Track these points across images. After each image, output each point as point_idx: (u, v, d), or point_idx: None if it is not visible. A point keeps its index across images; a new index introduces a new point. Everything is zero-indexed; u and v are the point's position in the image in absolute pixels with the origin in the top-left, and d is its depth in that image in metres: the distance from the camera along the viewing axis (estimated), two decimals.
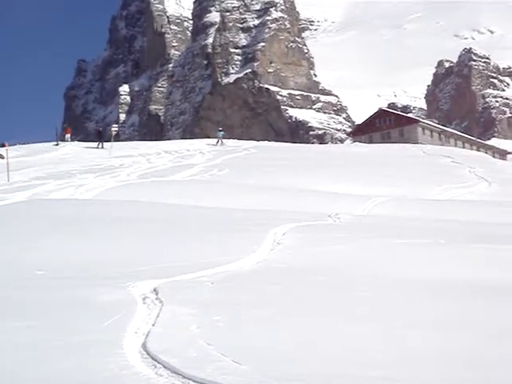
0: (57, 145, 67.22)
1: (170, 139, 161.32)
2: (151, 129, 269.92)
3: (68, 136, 73.09)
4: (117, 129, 73.00)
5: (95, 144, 60.53)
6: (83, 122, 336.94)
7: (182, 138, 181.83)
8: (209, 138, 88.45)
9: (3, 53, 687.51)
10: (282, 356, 7.67)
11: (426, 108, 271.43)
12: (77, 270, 12.80)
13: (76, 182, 32.91)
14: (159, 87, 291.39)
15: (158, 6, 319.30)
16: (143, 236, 16.53)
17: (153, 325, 8.80)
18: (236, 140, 78.78)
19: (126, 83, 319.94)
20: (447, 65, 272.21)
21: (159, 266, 12.81)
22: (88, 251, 14.68)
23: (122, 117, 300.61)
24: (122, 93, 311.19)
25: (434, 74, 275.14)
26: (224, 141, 68.90)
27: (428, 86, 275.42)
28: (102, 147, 59.19)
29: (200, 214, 21.38)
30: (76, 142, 75.13)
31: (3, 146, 45.47)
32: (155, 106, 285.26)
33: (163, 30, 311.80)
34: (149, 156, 51.87)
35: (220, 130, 71.02)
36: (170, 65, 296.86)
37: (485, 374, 7.34)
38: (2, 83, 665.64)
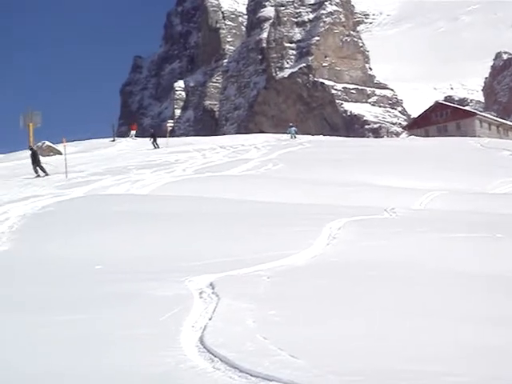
0: (113, 140, 68.01)
1: (224, 134, 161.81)
2: (206, 124, 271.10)
3: (133, 133, 73.59)
4: (172, 124, 73.73)
5: (151, 146, 60.74)
6: (139, 117, 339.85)
7: (237, 132, 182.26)
8: (263, 133, 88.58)
9: (60, 50, 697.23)
10: (339, 351, 7.64)
11: (483, 101, 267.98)
12: (134, 264, 12.94)
13: (132, 178, 33.23)
14: (214, 83, 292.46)
15: (212, 1, 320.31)
16: (200, 231, 16.62)
17: (209, 319, 8.84)
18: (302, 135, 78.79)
19: (181, 79, 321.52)
20: (505, 57, 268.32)
21: (215, 261, 12.87)
22: (145, 246, 14.82)
23: (177, 112, 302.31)
24: (177, 88, 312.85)
25: (492, 67, 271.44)
26: (296, 136, 69.81)
27: (486, 78, 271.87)
28: (158, 147, 59.40)
29: (255, 208, 21.41)
30: (132, 137, 75.86)
31: (61, 142, 46.16)
32: (210, 102, 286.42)
33: (218, 26, 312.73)
34: (204, 151, 52.16)
35: (291, 126, 71.85)
36: (225, 60, 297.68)
37: None
38: (60, 80, 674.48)
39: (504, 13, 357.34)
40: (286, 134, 71.76)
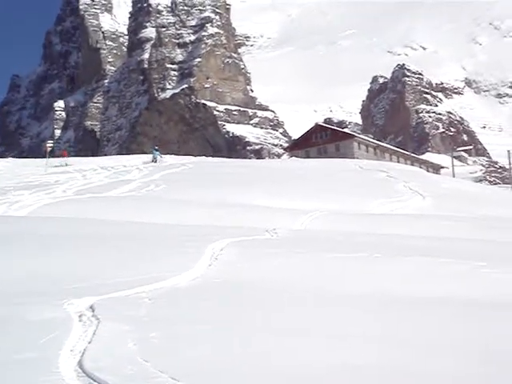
0: None
1: (106, 155, 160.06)
2: (87, 145, 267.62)
3: (64, 159, 69.89)
4: (52, 145, 72.01)
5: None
6: (17, 138, 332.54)
7: (119, 153, 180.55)
8: (145, 153, 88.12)
9: None
10: (219, 371, 7.67)
11: (361, 123, 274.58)
12: (12, 286, 12.60)
13: (10, 199, 32.41)
14: (95, 103, 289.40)
15: (92, 21, 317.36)
16: (78, 252, 16.33)
17: (89, 342, 8.71)
18: (173, 156, 78.52)
19: (61, 99, 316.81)
20: (381, 80, 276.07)
21: (95, 283, 12.67)
22: (20, 268, 14.45)
23: (58, 133, 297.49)
24: (57, 108, 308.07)
25: (369, 90, 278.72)
26: (162, 156, 67.94)
27: (363, 101, 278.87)
28: (155, 162, 63.04)
29: (136, 230, 21.23)
30: (10, 158, 74.03)
31: None
32: (91, 122, 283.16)
33: (98, 46, 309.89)
34: (85, 172, 51.37)
35: (156, 149, 69.04)
36: (106, 80, 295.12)
37: None
38: None
39: (380, 38, 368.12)
40: (151, 156, 69.40)
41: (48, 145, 70.60)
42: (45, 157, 64.82)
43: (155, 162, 64.10)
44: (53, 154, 71.45)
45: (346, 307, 11.26)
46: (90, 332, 9.19)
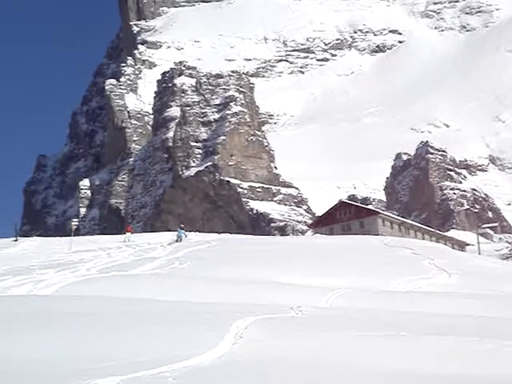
0: (16, 240, 66.69)
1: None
2: (111, 223, 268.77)
3: (129, 234, 69.33)
4: (77, 223, 72.57)
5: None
6: (43, 216, 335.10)
7: (143, 231, 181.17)
8: (170, 231, 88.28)
9: None
10: None
11: (385, 200, 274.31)
12: (38, 366, 12.59)
13: (35, 278, 32.53)
14: (120, 181, 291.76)
15: (118, 101, 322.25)
16: (103, 331, 16.32)
17: None
18: (198, 233, 78.66)
19: (86, 177, 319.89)
20: (405, 157, 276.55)
21: (119, 362, 12.63)
22: (48, 348, 14.45)
23: (83, 211, 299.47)
24: (82, 187, 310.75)
25: (393, 167, 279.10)
26: (187, 235, 67.25)
27: (387, 178, 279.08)
28: (180, 241, 61.77)
29: (161, 307, 21.20)
30: (35, 237, 74.52)
31: None
32: (116, 200, 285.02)
33: (124, 125, 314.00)
34: (109, 250, 51.57)
35: (182, 228, 67.81)
36: (131, 159, 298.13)
37: None
38: None
39: (403, 115, 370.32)
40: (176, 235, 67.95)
41: (73, 223, 71.23)
42: (70, 235, 65.25)
43: (180, 241, 63.35)
44: (78, 232, 71.89)
45: None
46: None
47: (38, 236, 74.10)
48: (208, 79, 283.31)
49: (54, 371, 12.10)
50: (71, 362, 12.86)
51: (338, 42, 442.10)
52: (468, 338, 16.06)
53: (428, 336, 16.37)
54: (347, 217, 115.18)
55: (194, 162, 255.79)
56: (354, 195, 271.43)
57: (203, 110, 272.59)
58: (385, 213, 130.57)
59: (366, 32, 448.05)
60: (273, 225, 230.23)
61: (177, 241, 63.05)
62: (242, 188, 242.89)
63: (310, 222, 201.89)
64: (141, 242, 61.10)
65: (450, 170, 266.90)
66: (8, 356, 13.69)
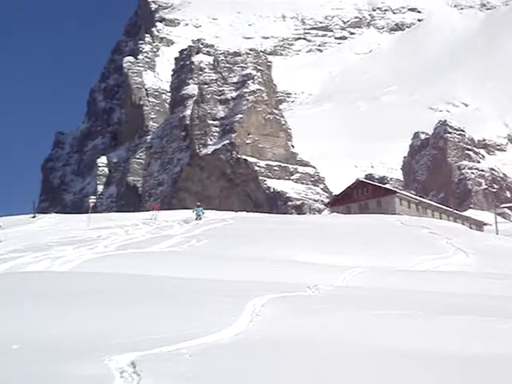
0: (34, 217, 67.04)
1: (148, 210, 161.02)
2: (129, 200, 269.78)
3: (156, 213, 69.40)
4: (94, 200, 72.75)
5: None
6: (61, 193, 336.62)
7: (161, 208, 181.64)
8: (187, 209, 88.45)
9: None
10: None
11: (402, 179, 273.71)
12: (52, 343, 12.59)
13: (53, 254, 32.66)
14: (137, 159, 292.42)
15: (136, 78, 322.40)
16: (120, 308, 16.32)
17: None
18: (214, 211, 78.78)
19: (103, 155, 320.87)
20: (423, 137, 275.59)
21: (136, 339, 12.62)
22: (64, 324, 14.46)
23: (100, 188, 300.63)
24: (99, 164, 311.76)
25: (410, 146, 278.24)
26: (204, 213, 66.78)
27: (404, 157, 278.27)
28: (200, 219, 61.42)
29: (177, 285, 21.20)
30: (53, 214, 74.86)
31: None
32: (133, 178, 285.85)
33: (141, 103, 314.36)
34: (127, 227, 51.72)
35: (199, 206, 66.91)
36: (149, 137, 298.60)
37: None
38: None
39: (420, 95, 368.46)
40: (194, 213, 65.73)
41: (91, 200, 71.40)
42: (87, 212, 65.48)
43: (199, 219, 62.32)
44: (95, 209, 72.11)
45: (395, 365, 11.03)
46: None
47: (55, 213, 74.39)
48: (226, 57, 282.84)
49: (69, 347, 12.09)
50: (87, 339, 12.85)
51: (357, 20, 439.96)
52: (486, 318, 15.97)
53: (443, 315, 16.28)
54: (364, 196, 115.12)
55: (211, 140, 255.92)
56: (371, 174, 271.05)
57: (221, 88, 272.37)
58: (402, 192, 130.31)
59: (385, 10, 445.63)
60: (290, 203, 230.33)
61: (196, 219, 62.62)
62: (259, 166, 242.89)
63: (326, 200, 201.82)
64: (159, 219, 61.24)
65: (469, 150, 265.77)
66: (20, 332, 13.71)
